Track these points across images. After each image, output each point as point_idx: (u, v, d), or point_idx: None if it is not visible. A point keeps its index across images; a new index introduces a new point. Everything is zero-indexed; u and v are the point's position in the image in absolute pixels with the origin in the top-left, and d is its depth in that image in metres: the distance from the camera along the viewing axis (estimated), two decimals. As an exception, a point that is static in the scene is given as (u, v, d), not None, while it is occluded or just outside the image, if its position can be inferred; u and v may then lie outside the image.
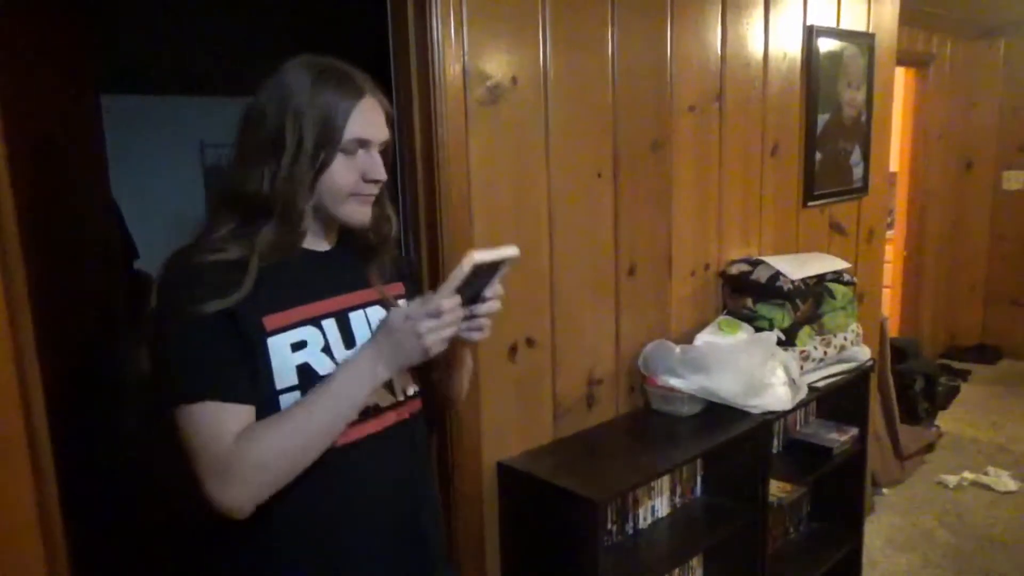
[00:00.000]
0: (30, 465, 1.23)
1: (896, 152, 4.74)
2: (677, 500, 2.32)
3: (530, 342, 2.03)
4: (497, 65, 1.87)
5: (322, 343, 1.17)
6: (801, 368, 2.42)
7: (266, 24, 3.38)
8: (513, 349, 1.99)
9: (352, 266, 1.28)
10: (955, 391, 4.89)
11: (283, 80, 1.17)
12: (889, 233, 5.01)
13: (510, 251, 1.14)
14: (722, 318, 2.49)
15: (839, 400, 2.76)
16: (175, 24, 3.23)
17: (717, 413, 2.23)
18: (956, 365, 5.45)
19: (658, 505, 2.26)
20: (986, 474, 3.86)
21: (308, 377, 1.14)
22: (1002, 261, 5.68)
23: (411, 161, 1.83)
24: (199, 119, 3.57)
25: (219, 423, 1.07)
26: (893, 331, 5.18)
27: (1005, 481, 3.77)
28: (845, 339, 2.63)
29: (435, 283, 1.83)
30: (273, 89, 1.17)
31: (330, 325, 1.19)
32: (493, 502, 1.98)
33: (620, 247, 2.25)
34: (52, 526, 1.28)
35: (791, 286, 2.44)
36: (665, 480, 2.26)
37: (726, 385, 2.18)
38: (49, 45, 1.51)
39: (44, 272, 1.32)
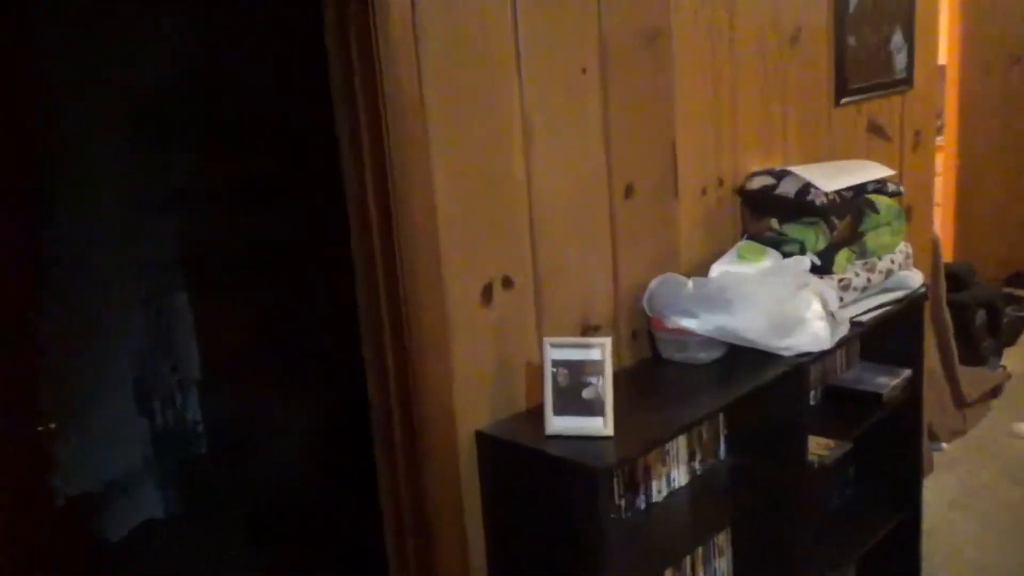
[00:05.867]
0: None
1: (944, 41, 4.66)
2: (697, 466, 2.32)
3: (507, 282, 1.98)
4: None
5: None
6: (841, 299, 2.39)
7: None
8: (487, 291, 1.94)
9: None
10: (1022, 324, 4.90)
11: None
12: (937, 140, 4.96)
13: None
14: (742, 243, 2.46)
15: (887, 337, 2.74)
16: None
17: (741, 358, 2.22)
18: (1022, 294, 5.45)
19: (675, 473, 2.26)
20: (1062, 419, 3.88)
21: None
22: (1074, 170, 5.66)
23: (345, 58, 1.78)
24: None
25: None
26: (947, 256, 5.16)
27: (1085, 426, 3.79)
28: (892, 262, 2.60)
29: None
30: None
31: None
32: (472, 480, 1.95)
33: (613, 161, 2.20)
34: None
35: (825, 200, 2.41)
36: (682, 442, 2.25)
37: (751, 324, 2.16)
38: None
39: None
